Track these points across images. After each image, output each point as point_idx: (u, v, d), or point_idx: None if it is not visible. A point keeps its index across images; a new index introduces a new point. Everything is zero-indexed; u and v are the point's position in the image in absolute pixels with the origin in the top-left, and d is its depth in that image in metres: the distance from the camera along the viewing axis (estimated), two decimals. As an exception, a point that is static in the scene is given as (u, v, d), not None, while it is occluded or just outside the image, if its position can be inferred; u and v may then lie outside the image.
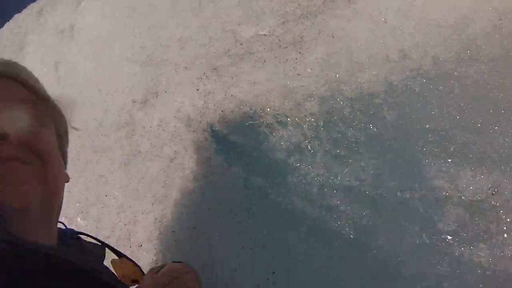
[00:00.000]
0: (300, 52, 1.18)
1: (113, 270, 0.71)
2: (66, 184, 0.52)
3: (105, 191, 1.55)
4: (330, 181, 0.97)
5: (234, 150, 1.12)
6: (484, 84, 1.00)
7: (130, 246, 1.36)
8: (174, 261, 0.95)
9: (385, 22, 1.11)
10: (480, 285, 0.84)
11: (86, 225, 1.54)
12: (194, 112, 1.29)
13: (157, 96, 1.45)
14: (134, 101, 1.54)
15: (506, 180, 0.91)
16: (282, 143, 1.05)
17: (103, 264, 0.66)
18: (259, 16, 1.47)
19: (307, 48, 1.17)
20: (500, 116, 0.98)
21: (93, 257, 0.62)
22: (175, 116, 1.34)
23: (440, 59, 1.06)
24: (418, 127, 1.03)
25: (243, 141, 1.11)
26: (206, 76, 1.34)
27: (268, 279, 1.01)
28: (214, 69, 1.34)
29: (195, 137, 1.22)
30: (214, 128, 1.20)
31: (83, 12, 2.02)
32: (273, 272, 1.00)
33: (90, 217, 1.56)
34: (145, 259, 1.29)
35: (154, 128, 1.39)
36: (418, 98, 1.05)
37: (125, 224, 1.40)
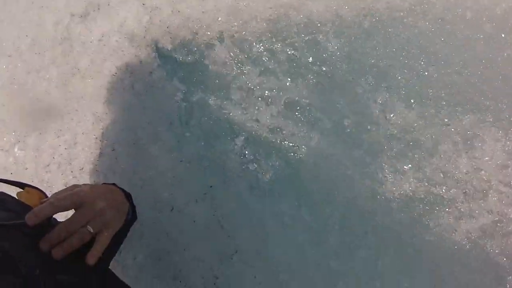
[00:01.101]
0: (254, -27, 1.12)
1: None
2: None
3: (42, 116, 1.43)
4: (268, 95, 0.99)
5: (176, 65, 1.08)
6: (430, 37, 1.05)
7: (72, 171, 1.32)
8: (105, 183, 0.91)
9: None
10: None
11: (25, 156, 1.44)
12: (139, 28, 1.20)
13: (98, 9, 1.32)
14: (72, 15, 1.39)
15: (430, 115, 1.00)
16: (224, 59, 1.03)
17: None
18: None
19: (262, -31, 1.12)
20: (438, 64, 1.05)
21: None
22: (117, 31, 1.23)
23: (394, 5, 1.08)
24: (360, 59, 1.07)
25: (186, 57, 1.08)
26: (154, -10, 1.23)
27: (205, 193, 1.05)
28: (163, -18, 1.23)
29: (138, 52, 1.15)
30: (158, 45, 1.13)
31: None
32: (210, 186, 1.04)
33: (28, 147, 1.46)
34: (87, 182, 1.26)
35: (94, 44, 1.28)
36: (365, 34, 1.08)
37: (65, 148, 1.34)
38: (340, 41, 1.07)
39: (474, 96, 1.01)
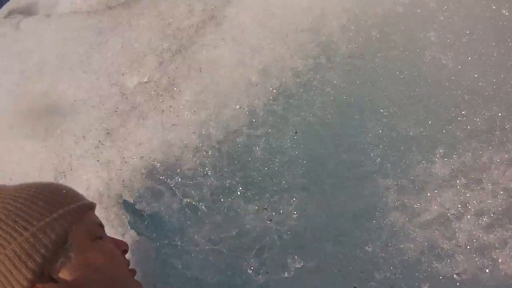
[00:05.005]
0: (173, 97, 1.13)
1: None
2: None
3: None
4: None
5: (141, 219, 1.08)
6: (344, 86, 0.94)
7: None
8: None
9: (247, 41, 1.06)
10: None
11: None
12: (102, 186, 1.22)
13: (65, 176, 1.36)
14: (46, 186, 1.45)
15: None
16: (176, 203, 1.01)
17: None
18: (140, 60, 1.39)
19: (179, 91, 1.12)
20: (368, 111, 0.93)
21: None
22: (87, 195, 1.26)
23: (299, 69, 0.98)
24: (283, 157, 0.96)
25: (147, 208, 1.07)
26: (102, 144, 1.26)
27: None
28: (108, 133, 1.26)
29: (107, 215, 1.16)
30: (121, 200, 1.14)
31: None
32: None
33: None
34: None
35: (71, 212, 1.31)
36: (280, 121, 0.97)
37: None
38: (260, 145, 0.95)
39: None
